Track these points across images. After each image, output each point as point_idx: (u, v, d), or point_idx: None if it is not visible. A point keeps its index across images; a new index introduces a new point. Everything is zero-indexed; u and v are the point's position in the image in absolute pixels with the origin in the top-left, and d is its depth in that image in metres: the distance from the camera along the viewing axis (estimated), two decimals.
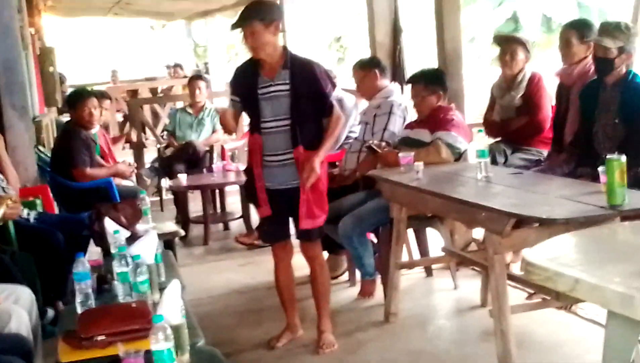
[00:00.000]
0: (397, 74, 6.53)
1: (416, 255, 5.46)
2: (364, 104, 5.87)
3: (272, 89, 4.15)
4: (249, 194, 4.64)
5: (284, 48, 4.24)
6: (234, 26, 4.17)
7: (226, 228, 8.10)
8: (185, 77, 13.16)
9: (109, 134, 9.11)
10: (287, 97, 4.13)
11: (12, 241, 4.68)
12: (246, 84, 4.24)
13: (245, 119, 4.72)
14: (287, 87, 4.13)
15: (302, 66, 4.20)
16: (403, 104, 5.51)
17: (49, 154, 6.89)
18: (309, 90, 4.15)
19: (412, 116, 5.40)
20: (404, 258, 5.05)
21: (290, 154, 4.18)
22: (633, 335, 2.25)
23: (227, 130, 4.66)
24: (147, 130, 11.02)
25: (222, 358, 2.84)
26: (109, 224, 4.23)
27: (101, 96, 7.57)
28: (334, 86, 4.30)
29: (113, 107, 10.55)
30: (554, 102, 5.15)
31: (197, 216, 7.88)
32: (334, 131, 4.25)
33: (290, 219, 4.40)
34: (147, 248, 3.64)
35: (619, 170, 3.16)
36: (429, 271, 5.63)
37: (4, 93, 5.98)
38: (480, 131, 5.50)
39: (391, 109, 5.40)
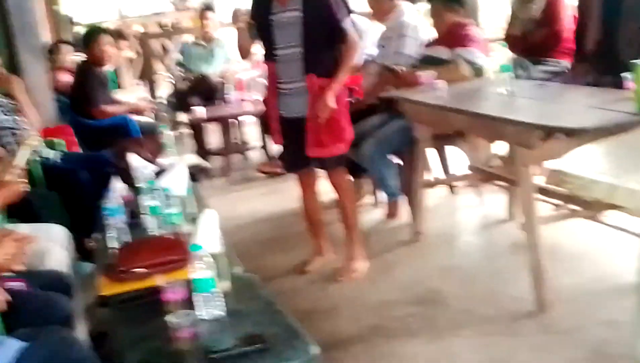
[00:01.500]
0: None
1: (438, 174, 5.46)
2: (380, 27, 5.76)
3: (284, 15, 4.08)
4: (263, 122, 4.63)
5: None
6: None
7: (245, 158, 8.12)
8: (192, 9, 12.98)
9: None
10: (299, 24, 4.06)
11: (40, 182, 4.70)
12: (261, 9, 4.19)
13: (258, 47, 4.62)
14: (299, 13, 4.05)
15: None
16: (414, 23, 5.42)
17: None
18: (321, 16, 4.07)
19: (426, 34, 5.33)
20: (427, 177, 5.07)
21: (302, 82, 4.14)
22: None
23: (242, 52, 4.56)
24: (159, 64, 10.95)
25: (260, 284, 2.88)
26: (134, 159, 4.24)
27: (118, 36, 7.51)
28: (349, 11, 4.22)
29: (128, 47, 10.46)
30: (575, 12, 5.06)
31: (216, 148, 7.90)
32: (348, 60, 4.18)
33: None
34: (177, 180, 3.66)
35: None
36: (453, 189, 5.65)
37: (18, 35, 5.95)
38: (503, 45, 5.42)
39: (403, 31, 5.33)
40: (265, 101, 4.35)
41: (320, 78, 4.11)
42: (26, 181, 3.35)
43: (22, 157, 3.53)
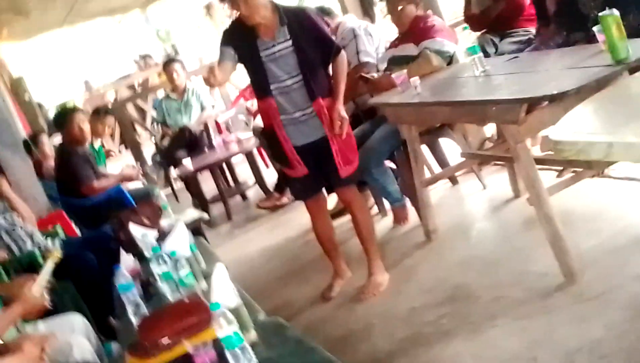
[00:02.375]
0: (363, 2, 6.46)
1: (436, 169, 5.42)
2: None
3: (276, 49, 4.04)
4: (277, 157, 4.56)
5: (272, 3, 4.07)
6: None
7: (244, 198, 8.10)
8: (157, 65, 13.02)
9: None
10: (293, 53, 4.03)
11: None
12: (246, 49, 4.10)
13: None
14: (290, 42, 4.02)
15: (296, 16, 4.08)
16: (362, 24, 5.45)
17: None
18: (311, 39, 4.06)
19: (383, 34, 5.34)
20: (426, 174, 5.03)
21: (310, 108, 4.11)
22: None
23: (211, 83, 4.36)
24: (138, 127, 10.96)
25: (286, 325, 2.84)
26: (134, 230, 4.21)
27: (105, 113, 7.49)
28: (328, 25, 4.23)
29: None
30: None
31: (213, 196, 7.88)
32: (345, 72, 4.17)
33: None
34: (180, 241, 3.62)
35: (616, 24, 3.10)
36: (454, 180, 5.62)
37: None
38: (465, 28, 5.43)
39: (353, 33, 5.35)
40: (268, 136, 4.28)
41: (326, 99, 4.10)
42: (49, 297, 3.34)
43: (46, 272, 3.53)
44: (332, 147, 4.13)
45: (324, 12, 5.66)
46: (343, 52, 4.19)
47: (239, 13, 4.04)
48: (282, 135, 4.18)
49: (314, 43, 4.06)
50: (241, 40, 4.11)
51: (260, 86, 4.16)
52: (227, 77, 4.25)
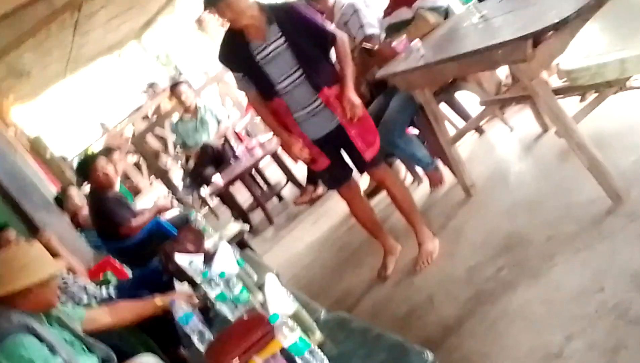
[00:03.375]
0: None
1: (460, 124, 5.36)
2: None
3: (269, 49, 4.00)
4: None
5: (258, 3, 4.03)
6: (207, 3, 3.93)
7: (280, 198, 8.10)
8: (165, 90, 13.06)
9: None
10: (288, 50, 3.99)
11: None
12: (241, 57, 4.08)
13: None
14: (283, 39, 3.98)
15: (284, 12, 4.04)
16: None
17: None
18: (304, 32, 4.01)
19: (378, 4, 5.28)
20: (451, 132, 4.98)
21: (318, 100, 4.08)
22: None
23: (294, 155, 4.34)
24: (162, 155, 11.02)
25: (349, 317, 2.83)
26: (181, 259, 4.22)
27: (108, 152, 7.53)
28: (321, 13, 4.18)
29: (123, 156, 10.53)
30: None
31: (250, 204, 7.90)
32: (347, 56, 4.12)
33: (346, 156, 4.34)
34: (226, 260, 3.63)
35: None
36: (480, 130, 5.56)
37: (21, 199, 6.00)
38: None
39: (353, 8, 5.28)
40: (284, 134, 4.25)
41: (331, 88, 4.07)
42: None
43: None
44: (349, 133, 4.10)
45: None
46: (341, 36, 4.13)
47: (227, 21, 4.01)
48: (297, 132, 4.16)
49: (307, 35, 4.01)
50: (235, 50, 4.09)
51: (264, 89, 4.13)
52: (263, 105, 4.22)
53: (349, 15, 5.20)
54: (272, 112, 4.20)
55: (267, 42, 3.99)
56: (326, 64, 4.14)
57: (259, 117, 4.68)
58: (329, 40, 4.08)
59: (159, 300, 3.78)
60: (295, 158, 4.42)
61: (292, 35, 3.98)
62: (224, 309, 3.39)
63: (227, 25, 4.08)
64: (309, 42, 4.02)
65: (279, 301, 2.69)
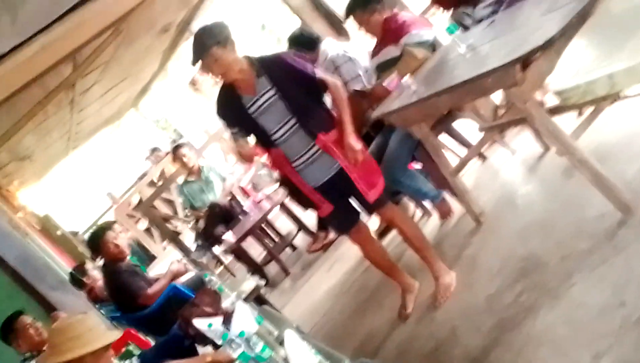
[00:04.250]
0: (332, 20, 6.45)
1: (462, 152, 5.36)
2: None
3: (260, 102, 4.04)
4: (302, 202, 4.56)
5: (246, 57, 4.08)
6: (195, 61, 3.98)
7: (294, 248, 8.09)
8: (168, 153, 13.12)
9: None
10: (280, 100, 4.03)
11: None
12: (235, 112, 4.12)
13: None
14: (274, 91, 4.02)
15: (273, 63, 4.09)
16: (339, 49, 5.43)
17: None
18: (294, 81, 4.05)
19: (362, 48, 5.34)
20: (454, 161, 4.98)
21: (315, 147, 4.11)
22: None
23: (247, 159, 4.43)
24: (172, 220, 11.05)
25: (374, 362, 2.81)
26: (199, 323, 4.20)
27: (109, 227, 7.51)
28: (311, 61, 4.22)
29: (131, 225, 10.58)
30: None
31: (264, 257, 7.88)
32: (342, 100, 4.13)
33: (352, 199, 4.34)
34: (244, 319, 3.61)
35: None
36: (482, 157, 5.55)
37: (36, 282, 6.01)
38: (434, 11, 5.39)
39: (334, 65, 5.33)
40: (285, 183, 4.28)
41: (328, 133, 4.08)
42: None
43: None
44: (351, 176, 4.11)
45: (309, 42, 5.61)
46: (334, 81, 4.15)
47: (216, 76, 4.05)
48: (298, 181, 4.19)
49: (298, 84, 4.05)
50: (229, 105, 4.15)
51: (262, 141, 4.19)
52: (252, 151, 4.28)
53: (332, 72, 5.24)
54: (273, 162, 4.24)
55: (258, 95, 4.03)
56: (320, 110, 4.17)
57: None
58: (320, 86, 4.10)
59: (208, 356, 3.79)
60: (307, 203, 4.41)
61: (282, 85, 4.02)
62: None
63: (219, 82, 4.14)
64: (300, 91, 4.06)
65: (301, 357, 2.68)
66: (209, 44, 3.89)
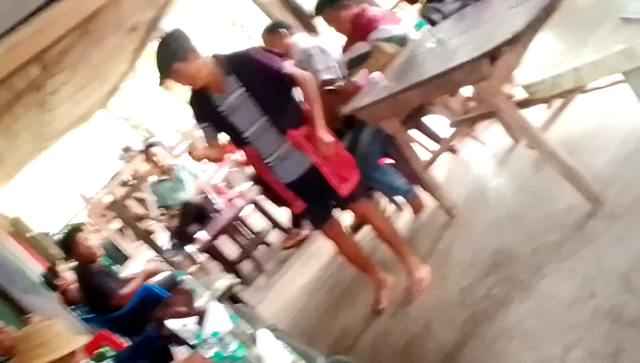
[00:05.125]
0: (301, 18, 6.43)
1: (433, 147, 5.37)
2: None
3: (230, 100, 4.02)
4: (274, 199, 4.56)
5: (214, 57, 4.05)
6: (162, 81, 3.96)
7: (267, 245, 8.07)
8: (140, 152, 13.04)
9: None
10: (249, 98, 4.01)
11: None
12: (206, 111, 4.11)
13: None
14: (243, 89, 4.00)
15: (240, 61, 4.06)
16: (313, 41, 5.43)
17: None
18: (263, 78, 4.02)
19: (333, 43, 5.34)
20: (425, 156, 5.00)
21: (286, 143, 4.09)
22: None
23: (216, 160, 4.49)
24: (145, 218, 10.98)
25: (348, 360, 2.82)
26: (173, 323, 4.18)
27: (75, 234, 7.43)
28: (280, 55, 4.20)
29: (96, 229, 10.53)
30: None
31: (238, 255, 7.86)
32: (313, 95, 4.10)
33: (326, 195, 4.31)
34: (218, 319, 3.59)
35: None
36: (453, 150, 5.57)
37: (7, 287, 5.95)
38: (402, 6, 5.40)
39: (307, 54, 5.32)
40: (259, 181, 4.27)
41: (298, 129, 4.07)
42: None
43: None
44: (322, 171, 4.10)
45: (279, 25, 5.59)
46: (303, 75, 4.12)
47: (185, 85, 4.04)
48: (270, 179, 4.19)
49: (266, 81, 4.03)
50: (201, 105, 4.13)
51: (234, 139, 4.19)
52: (220, 150, 4.27)
53: (305, 62, 5.24)
54: (247, 159, 4.23)
55: (227, 93, 4.01)
56: (290, 106, 4.15)
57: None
58: (288, 81, 4.09)
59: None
60: (279, 201, 4.41)
61: (250, 83, 4.00)
62: None
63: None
64: (269, 87, 4.04)
65: (275, 356, 2.67)
66: (169, 62, 3.88)
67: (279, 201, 4.41)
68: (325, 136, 4.04)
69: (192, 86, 4.03)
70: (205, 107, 4.11)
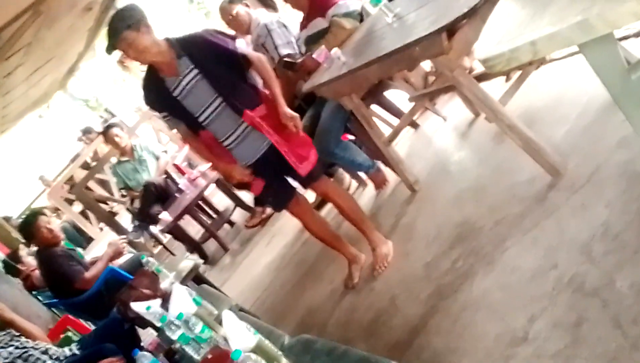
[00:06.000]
0: None
1: (395, 121, 5.37)
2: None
3: (184, 83, 3.95)
4: (235, 184, 4.51)
5: (165, 39, 3.98)
6: (109, 48, 3.87)
7: (232, 224, 8.05)
8: (99, 134, 12.88)
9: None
10: (203, 79, 3.95)
11: None
12: (161, 97, 4.04)
13: None
14: (196, 71, 3.94)
15: (192, 42, 4.00)
16: (272, 17, 5.40)
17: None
18: (216, 59, 3.96)
19: (292, 20, 5.31)
20: (387, 131, 4.99)
21: (243, 124, 4.04)
22: (610, 45, 2.19)
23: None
24: (107, 200, 10.88)
25: (312, 338, 2.81)
26: (137, 306, 4.15)
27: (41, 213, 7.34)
28: (232, 38, 4.15)
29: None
30: None
31: (202, 235, 7.83)
32: (267, 73, 4.06)
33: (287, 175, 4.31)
34: (181, 301, 3.57)
35: None
36: (414, 125, 5.58)
37: None
38: None
39: (267, 29, 5.29)
40: (221, 164, 4.22)
41: (254, 109, 4.02)
42: None
43: None
44: (281, 150, 4.08)
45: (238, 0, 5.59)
46: (257, 56, 4.09)
47: (134, 60, 3.99)
48: (228, 161, 4.15)
49: (219, 61, 3.98)
50: (154, 91, 4.07)
51: (190, 124, 4.10)
52: (195, 139, 4.21)
53: (264, 37, 5.22)
54: (205, 144, 4.17)
55: (180, 76, 3.95)
56: (245, 86, 4.09)
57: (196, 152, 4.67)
58: (243, 62, 4.05)
59: None
60: (238, 185, 4.40)
61: (204, 64, 3.95)
62: (189, 350, 3.34)
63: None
64: (222, 68, 3.99)
65: (239, 337, 2.66)
66: (120, 29, 3.80)
67: (239, 184, 4.36)
68: (287, 110, 4.02)
69: (141, 60, 3.96)
70: (159, 93, 4.04)
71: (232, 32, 5.07)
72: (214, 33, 4.10)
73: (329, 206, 5.49)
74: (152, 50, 3.89)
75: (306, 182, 4.30)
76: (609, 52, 2.21)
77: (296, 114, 4.04)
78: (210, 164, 5.23)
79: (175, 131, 4.42)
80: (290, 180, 4.34)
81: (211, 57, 3.96)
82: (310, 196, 5.06)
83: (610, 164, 3.21)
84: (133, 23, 3.81)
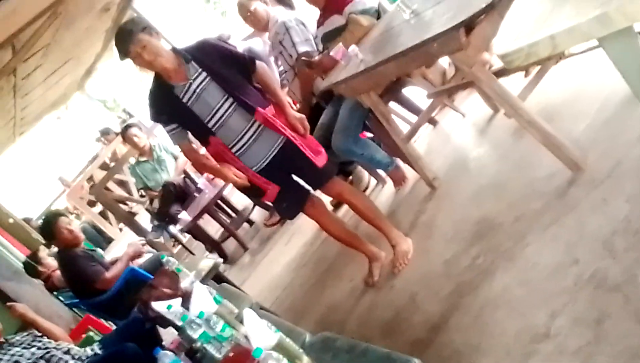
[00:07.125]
0: None
1: (413, 119, 5.35)
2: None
3: (194, 86, 3.97)
4: (248, 192, 4.51)
5: (172, 48, 4.04)
6: (122, 53, 3.89)
7: (250, 223, 8.06)
8: (118, 134, 12.94)
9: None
10: (212, 81, 3.97)
11: None
12: (169, 105, 4.04)
13: None
14: (205, 74, 3.96)
15: (198, 48, 4.04)
16: (292, 15, 5.40)
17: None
18: (221, 61, 4.01)
19: (310, 18, 5.31)
20: (405, 128, 4.98)
21: (255, 124, 4.04)
22: (630, 39, 2.18)
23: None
24: (126, 200, 10.94)
25: (333, 336, 2.81)
26: (158, 305, 4.17)
27: (62, 214, 7.38)
28: (234, 46, 4.20)
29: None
30: None
31: (222, 234, 7.85)
32: (272, 80, 4.12)
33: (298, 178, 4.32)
34: (202, 300, 3.59)
35: None
36: (433, 122, 5.57)
37: None
38: None
39: (285, 26, 5.29)
40: (220, 171, 4.21)
41: (265, 108, 4.05)
42: None
43: None
44: (297, 143, 4.08)
45: None
46: (259, 63, 4.11)
47: (146, 65, 3.97)
48: (239, 166, 4.14)
49: (226, 63, 4.02)
50: (163, 100, 4.08)
51: (199, 131, 4.12)
52: (197, 152, 4.28)
53: (282, 34, 5.22)
54: (213, 155, 4.18)
55: (189, 80, 3.98)
56: (253, 88, 4.11)
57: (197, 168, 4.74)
58: (249, 64, 4.07)
59: None
60: (252, 193, 4.42)
61: (211, 67, 3.98)
62: (210, 348, 3.35)
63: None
64: (229, 68, 4.03)
65: (260, 335, 2.66)
66: (135, 31, 3.85)
67: (252, 192, 4.35)
68: (294, 113, 4.08)
69: (152, 65, 3.94)
70: (168, 102, 4.04)
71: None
72: (218, 40, 4.18)
73: (345, 206, 5.48)
74: (164, 55, 3.93)
75: (318, 183, 4.29)
76: (629, 46, 2.20)
77: (303, 115, 4.05)
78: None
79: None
80: (302, 183, 4.33)
81: (217, 58, 4.01)
82: (325, 198, 5.06)
83: (630, 158, 3.18)
84: (146, 27, 3.90)
